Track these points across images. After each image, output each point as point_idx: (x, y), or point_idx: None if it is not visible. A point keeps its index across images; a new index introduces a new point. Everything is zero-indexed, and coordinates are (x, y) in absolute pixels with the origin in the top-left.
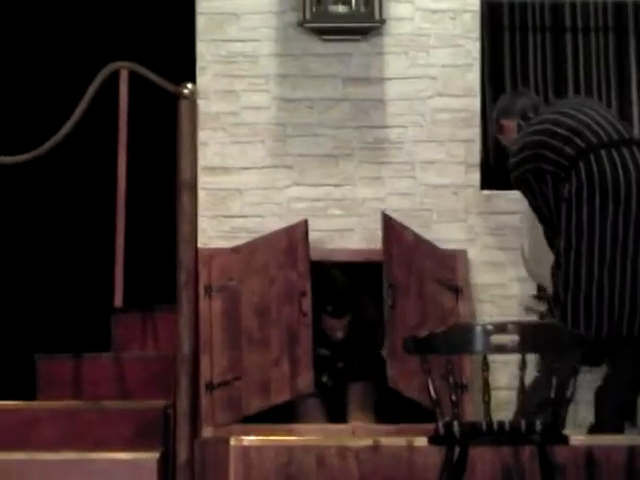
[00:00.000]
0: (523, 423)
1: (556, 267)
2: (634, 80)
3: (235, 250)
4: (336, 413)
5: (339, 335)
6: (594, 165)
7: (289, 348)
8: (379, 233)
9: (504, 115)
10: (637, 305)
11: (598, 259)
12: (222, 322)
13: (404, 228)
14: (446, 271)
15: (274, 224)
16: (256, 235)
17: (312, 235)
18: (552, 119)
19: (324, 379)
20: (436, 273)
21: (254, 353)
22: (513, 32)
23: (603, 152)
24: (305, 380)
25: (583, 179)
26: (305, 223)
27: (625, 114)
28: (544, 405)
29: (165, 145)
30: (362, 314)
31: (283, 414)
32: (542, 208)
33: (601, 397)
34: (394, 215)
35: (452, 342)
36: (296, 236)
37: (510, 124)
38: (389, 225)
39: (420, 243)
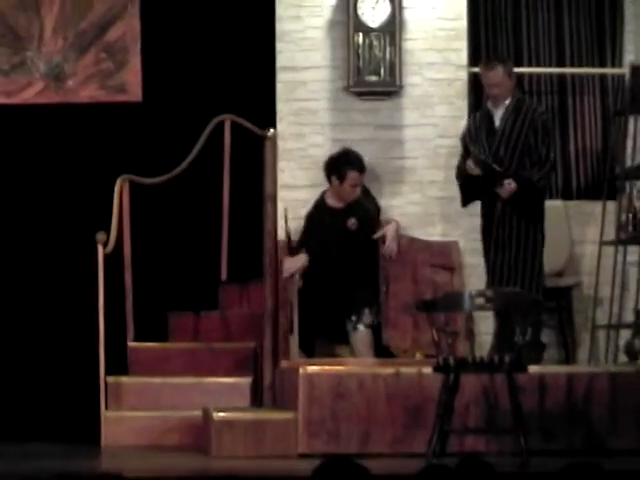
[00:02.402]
0: (496, 358)
1: None
2: None
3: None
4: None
5: (357, 192)
6: None
7: None
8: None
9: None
10: None
11: None
12: (290, 291)
13: (401, 236)
14: (444, 257)
15: None
16: None
17: None
18: None
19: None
20: (431, 260)
21: None
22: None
23: None
24: None
25: None
26: None
27: None
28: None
29: (255, 171)
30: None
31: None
32: None
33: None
34: (410, 218)
35: (448, 303)
36: None
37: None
38: (382, 239)
39: (414, 242)
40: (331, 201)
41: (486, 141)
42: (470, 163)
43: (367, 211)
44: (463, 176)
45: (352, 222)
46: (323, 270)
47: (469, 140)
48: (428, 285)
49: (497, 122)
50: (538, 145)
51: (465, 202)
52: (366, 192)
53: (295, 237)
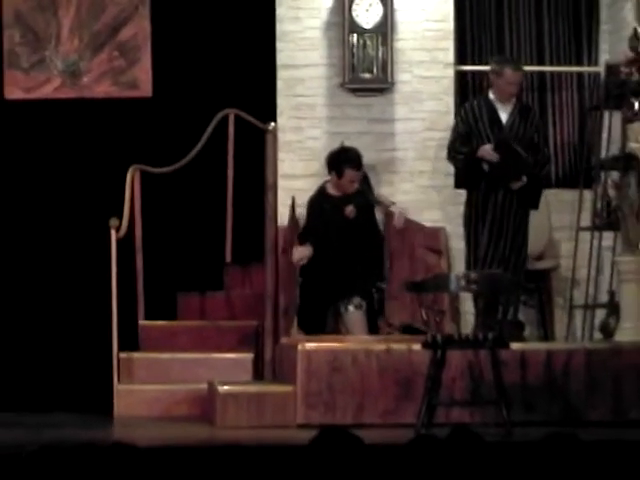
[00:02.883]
0: (480, 335)
1: None
2: None
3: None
4: None
5: (355, 186)
6: None
7: None
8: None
9: None
10: None
11: None
12: (291, 273)
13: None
14: (432, 241)
15: None
16: None
17: None
18: None
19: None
20: (424, 243)
21: None
22: (475, 92)
23: None
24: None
25: None
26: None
27: None
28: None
29: (257, 161)
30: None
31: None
32: None
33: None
34: (401, 205)
35: (436, 284)
36: None
37: None
38: (389, 214)
39: (412, 224)
40: (331, 190)
41: (490, 129)
42: (488, 148)
43: (365, 199)
44: (469, 159)
45: (350, 210)
46: (323, 255)
47: (471, 126)
48: (422, 265)
49: (503, 116)
50: (540, 144)
51: (463, 185)
52: (365, 179)
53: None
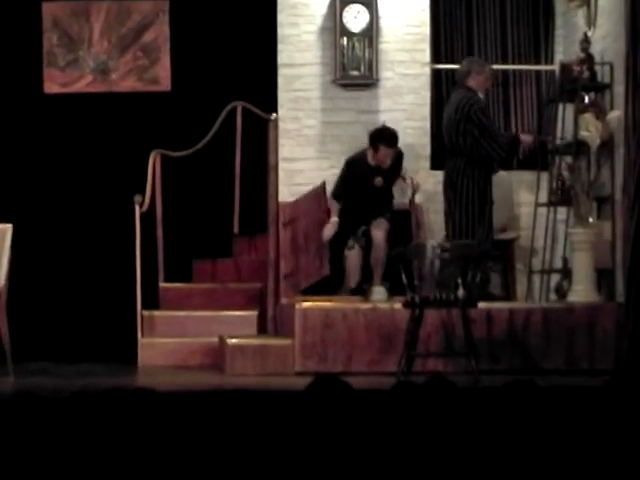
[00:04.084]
0: (452, 296)
1: None
2: None
3: (296, 202)
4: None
5: (388, 162)
6: None
7: (319, 252)
8: None
9: None
10: None
11: None
12: (290, 242)
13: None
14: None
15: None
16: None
17: None
18: None
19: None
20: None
21: (303, 257)
22: (448, 87)
23: None
24: (325, 267)
25: None
26: (324, 183)
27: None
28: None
29: (260, 146)
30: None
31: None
32: None
33: None
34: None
35: (416, 252)
36: (319, 191)
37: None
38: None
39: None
40: (370, 159)
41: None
42: (526, 136)
43: (393, 173)
44: (512, 144)
45: (378, 180)
46: (347, 210)
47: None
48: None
49: None
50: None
51: (507, 161)
52: (399, 157)
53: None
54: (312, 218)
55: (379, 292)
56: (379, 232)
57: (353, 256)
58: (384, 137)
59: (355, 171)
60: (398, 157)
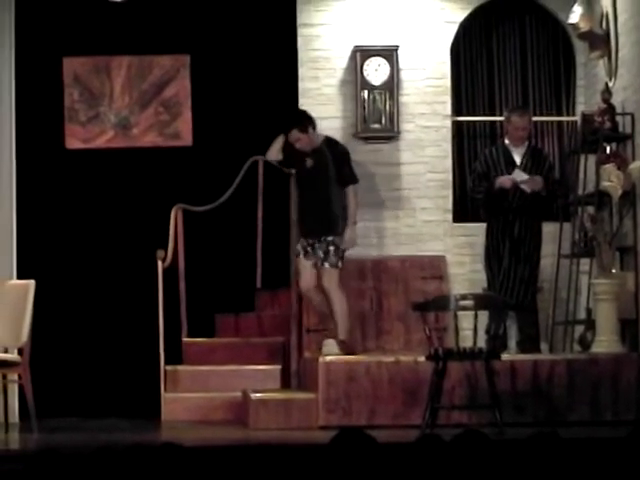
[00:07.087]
0: (476, 348)
1: None
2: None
3: None
4: None
5: (302, 146)
6: None
7: None
8: None
9: None
10: None
11: None
12: None
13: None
14: (433, 269)
15: None
16: None
17: None
18: None
19: None
20: (422, 273)
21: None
22: (469, 140)
23: None
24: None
25: None
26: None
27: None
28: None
29: (282, 200)
30: None
31: None
32: None
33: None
34: (406, 237)
35: (438, 304)
36: None
37: None
38: (380, 261)
39: (406, 261)
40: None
41: (505, 170)
42: (504, 178)
43: (323, 156)
44: (489, 193)
45: (309, 162)
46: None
47: (489, 167)
48: (419, 294)
49: (517, 158)
50: (555, 180)
51: (486, 216)
52: (329, 142)
53: None
54: None
55: (329, 344)
56: (330, 284)
57: (320, 303)
58: (294, 120)
59: (290, 154)
60: (328, 144)
